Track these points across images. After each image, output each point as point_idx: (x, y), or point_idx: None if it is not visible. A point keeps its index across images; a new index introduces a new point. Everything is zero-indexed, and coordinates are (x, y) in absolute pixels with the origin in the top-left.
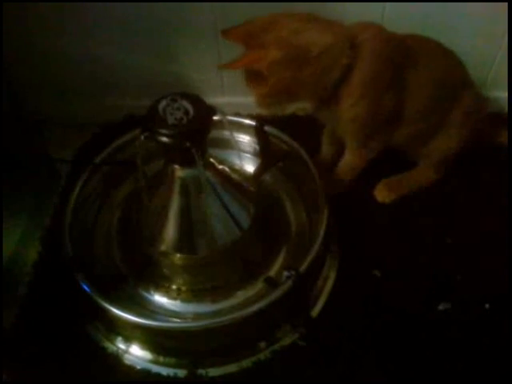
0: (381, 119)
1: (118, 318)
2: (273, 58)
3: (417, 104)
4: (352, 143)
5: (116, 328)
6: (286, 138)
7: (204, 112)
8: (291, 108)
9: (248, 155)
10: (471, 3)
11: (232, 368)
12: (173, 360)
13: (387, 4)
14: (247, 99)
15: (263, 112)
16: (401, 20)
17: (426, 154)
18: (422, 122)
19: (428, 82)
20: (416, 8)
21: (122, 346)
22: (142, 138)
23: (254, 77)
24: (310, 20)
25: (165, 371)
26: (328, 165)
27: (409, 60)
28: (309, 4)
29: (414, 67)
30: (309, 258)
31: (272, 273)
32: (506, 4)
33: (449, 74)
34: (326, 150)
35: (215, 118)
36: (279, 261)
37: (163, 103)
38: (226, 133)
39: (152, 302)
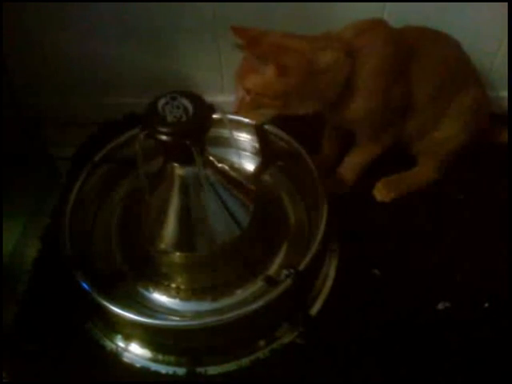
0: (390, 114)
1: (117, 316)
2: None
3: (424, 92)
4: (363, 138)
5: (115, 326)
6: (285, 136)
7: (203, 110)
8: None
9: (247, 154)
10: (471, 3)
11: (231, 366)
12: (172, 358)
13: (387, 4)
14: None
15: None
16: (401, 19)
17: (430, 150)
18: (431, 109)
19: (431, 69)
20: (416, 8)
21: (121, 344)
22: (142, 136)
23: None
24: (312, 40)
25: (164, 369)
26: (330, 164)
27: (409, 52)
28: (310, 4)
29: (415, 58)
30: (308, 257)
31: (271, 271)
32: (505, 4)
33: (450, 58)
34: (329, 149)
35: (215, 116)
36: (279, 259)
37: (163, 101)
38: (226, 131)
39: (151, 300)
